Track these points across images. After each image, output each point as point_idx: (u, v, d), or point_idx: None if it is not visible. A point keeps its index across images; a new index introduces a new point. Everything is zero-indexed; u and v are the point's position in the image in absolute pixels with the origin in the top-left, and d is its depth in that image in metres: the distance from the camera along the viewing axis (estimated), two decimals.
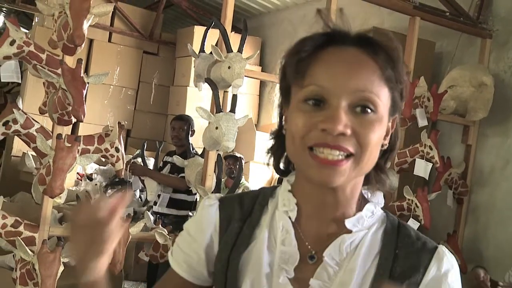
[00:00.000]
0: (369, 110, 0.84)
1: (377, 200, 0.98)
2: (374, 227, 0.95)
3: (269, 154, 1.02)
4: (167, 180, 3.95)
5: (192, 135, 3.95)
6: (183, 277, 1.01)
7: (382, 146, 0.92)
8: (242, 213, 1.00)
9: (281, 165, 1.01)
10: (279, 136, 0.98)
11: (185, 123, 4.08)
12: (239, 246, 0.96)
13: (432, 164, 3.40)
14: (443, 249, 0.94)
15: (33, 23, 6.46)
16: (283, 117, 0.95)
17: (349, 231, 0.93)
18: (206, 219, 1.02)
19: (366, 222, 0.94)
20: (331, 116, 0.83)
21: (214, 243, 1.00)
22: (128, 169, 3.94)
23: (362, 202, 0.96)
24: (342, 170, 0.84)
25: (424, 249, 0.93)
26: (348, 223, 0.93)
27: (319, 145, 0.83)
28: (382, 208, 0.99)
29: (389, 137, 0.93)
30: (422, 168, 3.41)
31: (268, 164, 1.02)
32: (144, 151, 4.13)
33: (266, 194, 1.02)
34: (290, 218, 0.95)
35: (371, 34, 0.89)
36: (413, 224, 3.32)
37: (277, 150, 0.99)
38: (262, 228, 0.97)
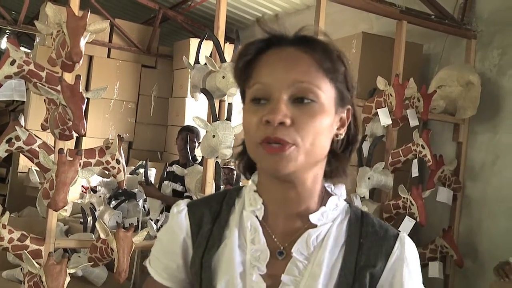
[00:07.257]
0: (309, 100, 0.88)
1: (340, 193, 0.99)
2: (339, 219, 0.99)
3: (238, 159, 1.05)
4: None
5: (197, 147, 3.95)
6: (166, 285, 1.03)
7: (337, 135, 0.96)
8: (211, 215, 1.02)
9: (242, 167, 1.05)
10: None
11: (186, 134, 4.07)
12: (210, 247, 0.98)
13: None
14: (404, 235, 0.98)
15: (34, 43, 6.52)
16: None
17: (314, 226, 0.96)
18: (177, 226, 1.04)
19: (331, 215, 0.98)
20: (272, 108, 0.87)
21: (189, 248, 1.02)
22: (140, 189, 3.99)
23: (325, 195, 0.99)
24: (287, 155, 0.87)
25: (387, 236, 0.97)
26: (313, 218, 0.96)
27: (264, 140, 0.87)
28: (345, 200, 1.02)
29: (345, 128, 0.97)
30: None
31: (239, 169, 1.05)
32: (147, 165, 4.12)
33: (232, 194, 1.05)
34: (257, 217, 0.98)
35: (306, 33, 0.94)
36: (409, 221, 3.37)
37: (244, 153, 1.02)
38: (231, 228, 0.99)
